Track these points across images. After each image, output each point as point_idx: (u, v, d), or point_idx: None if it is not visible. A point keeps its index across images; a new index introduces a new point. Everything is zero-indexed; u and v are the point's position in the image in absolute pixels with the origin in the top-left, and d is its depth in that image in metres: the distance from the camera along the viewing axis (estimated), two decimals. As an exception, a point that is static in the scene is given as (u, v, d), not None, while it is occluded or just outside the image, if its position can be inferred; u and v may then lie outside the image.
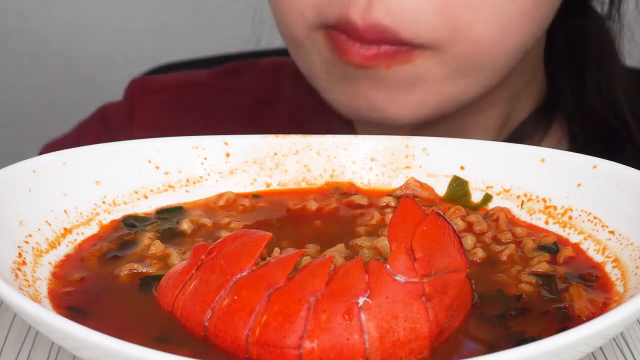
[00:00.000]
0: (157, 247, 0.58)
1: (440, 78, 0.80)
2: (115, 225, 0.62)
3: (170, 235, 0.61)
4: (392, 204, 0.65)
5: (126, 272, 0.56)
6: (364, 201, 0.66)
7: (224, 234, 0.60)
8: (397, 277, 0.48)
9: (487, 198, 0.65)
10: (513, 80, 0.90)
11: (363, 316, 0.47)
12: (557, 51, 0.95)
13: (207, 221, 0.62)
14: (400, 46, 0.78)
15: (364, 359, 0.47)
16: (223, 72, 1.07)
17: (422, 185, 0.67)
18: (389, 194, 0.67)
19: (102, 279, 0.56)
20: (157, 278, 0.54)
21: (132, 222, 0.62)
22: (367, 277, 0.48)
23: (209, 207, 0.65)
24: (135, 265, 0.56)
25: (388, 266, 0.48)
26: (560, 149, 0.92)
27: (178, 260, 0.57)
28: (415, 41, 0.78)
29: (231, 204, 0.65)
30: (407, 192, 0.67)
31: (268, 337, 0.47)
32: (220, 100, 1.03)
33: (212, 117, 1.03)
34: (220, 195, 0.66)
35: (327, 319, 0.47)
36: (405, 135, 0.88)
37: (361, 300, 0.47)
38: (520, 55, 0.84)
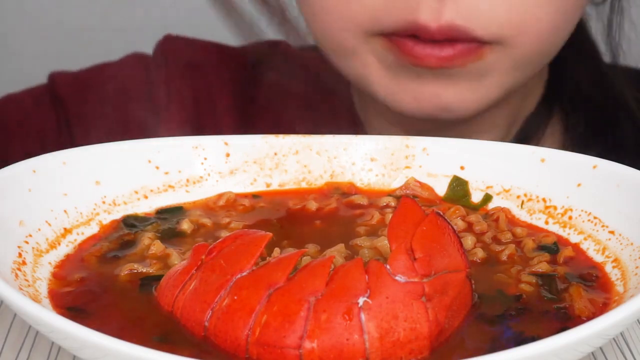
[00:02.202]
0: (157, 247, 0.58)
1: (505, 71, 0.81)
2: (115, 225, 0.62)
3: (170, 235, 0.61)
4: (392, 204, 0.65)
5: (126, 272, 0.56)
6: (364, 201, 0.66)
7: (224, 234, 0.60)
8: (397, 277, 0.48)
9: (487, 198, 0.65)
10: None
11: (363, 316, 0.47)
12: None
13: (207, 221, 0.62)
14: (470, 43, 0.78)
15: (364, 359, 0.47)
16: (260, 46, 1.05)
17: (422, 185, 0.67)
18: (389, 194, 0.67)
19: (102, 279, 0.56)
20: (157, 278, 0.54)
21: (132, 222, 0.62)
22: (367, 277, 0.48)
23: (209, 207, 0.65)
24: (135, 265, 0.56)
25: (388, 266, 0.48)
26: (555, 142, 0.93)
27: (178, 260, 0.57)
28: (486, 38, 0.78)
29: (231, 204, 0.65)
30: (407, 192, 0.67)
31: (268, 337, 0.47)
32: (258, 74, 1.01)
33: (252, 88, 1.01)
34: (220, 195, 0.66)
35: (327, 319, 0.47)
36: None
37: (361, 300, 0.47)
38: (563, 45, 0.85)
